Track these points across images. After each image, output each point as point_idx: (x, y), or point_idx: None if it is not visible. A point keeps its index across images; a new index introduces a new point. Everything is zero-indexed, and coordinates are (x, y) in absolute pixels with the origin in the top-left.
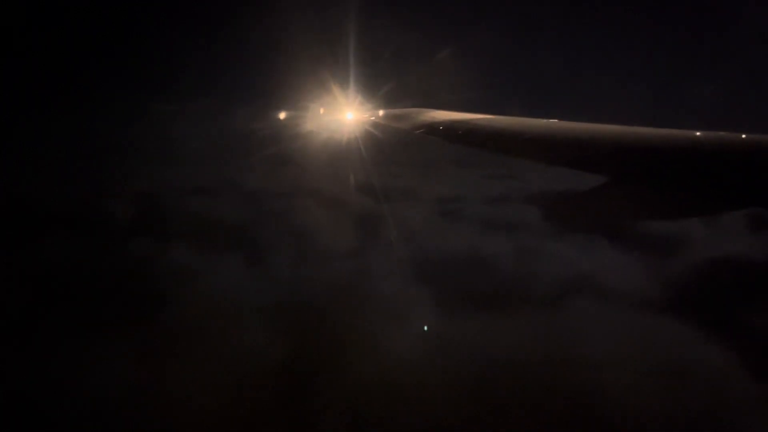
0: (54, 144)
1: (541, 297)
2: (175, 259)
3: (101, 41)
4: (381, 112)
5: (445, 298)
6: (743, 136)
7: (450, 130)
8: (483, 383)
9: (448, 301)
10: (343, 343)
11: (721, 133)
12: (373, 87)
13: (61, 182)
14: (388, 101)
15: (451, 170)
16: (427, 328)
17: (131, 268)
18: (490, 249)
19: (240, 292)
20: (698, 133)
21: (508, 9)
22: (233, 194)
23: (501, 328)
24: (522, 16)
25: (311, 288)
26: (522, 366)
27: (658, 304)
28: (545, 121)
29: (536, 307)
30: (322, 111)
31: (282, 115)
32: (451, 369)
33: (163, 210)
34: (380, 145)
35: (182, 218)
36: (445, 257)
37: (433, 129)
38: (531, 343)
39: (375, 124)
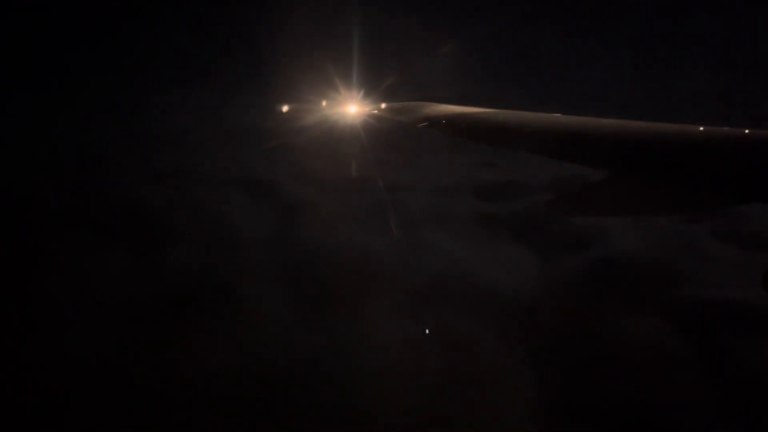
0: (43, 136)
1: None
2: (170, 255)
3: (101, 33)
4: (383, 105)
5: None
6: (746, 131)
7: (452, 124)
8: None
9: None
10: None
11: (725, 128)
12: (376, 80)
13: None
14: (391, 94)
15: (448, 164)
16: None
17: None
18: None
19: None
20: (701, 128)
21: (512, 1)
22: (230, 188)
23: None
24: (527, 8)
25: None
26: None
27: (658, 303)
28: (548, 114)
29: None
30: (324, 104)
31: (284, 108)
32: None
33: (158, 205)
34: (379, 139)
35: (178, 214)
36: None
37: (435, 122)
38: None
39: (377, 117)
